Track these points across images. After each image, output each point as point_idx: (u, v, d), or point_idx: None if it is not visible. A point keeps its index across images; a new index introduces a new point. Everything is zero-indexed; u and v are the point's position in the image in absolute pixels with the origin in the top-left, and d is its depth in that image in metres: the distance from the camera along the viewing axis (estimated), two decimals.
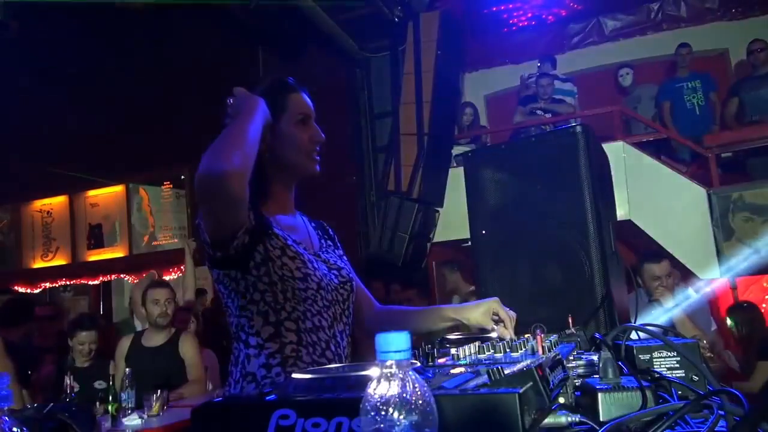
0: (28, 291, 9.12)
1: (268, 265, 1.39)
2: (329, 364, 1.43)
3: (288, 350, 1.39)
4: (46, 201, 9.59)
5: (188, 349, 3.92)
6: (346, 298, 1.55)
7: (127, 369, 3.48)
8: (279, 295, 1.40)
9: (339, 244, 1.70)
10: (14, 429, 0.85)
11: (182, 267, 4.89)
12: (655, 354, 1.18)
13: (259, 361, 1.39)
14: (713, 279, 5.51)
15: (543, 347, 1.08)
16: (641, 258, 3.76)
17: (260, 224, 1.41)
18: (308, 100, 1.56)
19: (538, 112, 6.52)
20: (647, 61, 7.17)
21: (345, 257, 1.67)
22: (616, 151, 5.44)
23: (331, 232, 1.71)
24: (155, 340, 3.93)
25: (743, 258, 5.34)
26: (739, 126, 5.99)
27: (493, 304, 1.54)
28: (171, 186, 8.95)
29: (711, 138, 5.90)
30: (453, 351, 1.15)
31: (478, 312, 1.54)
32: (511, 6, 7.41)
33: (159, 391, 3.31)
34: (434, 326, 1.71)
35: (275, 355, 1.38)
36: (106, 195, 9.30)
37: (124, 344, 4.04)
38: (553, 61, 6.95)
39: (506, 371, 0.81)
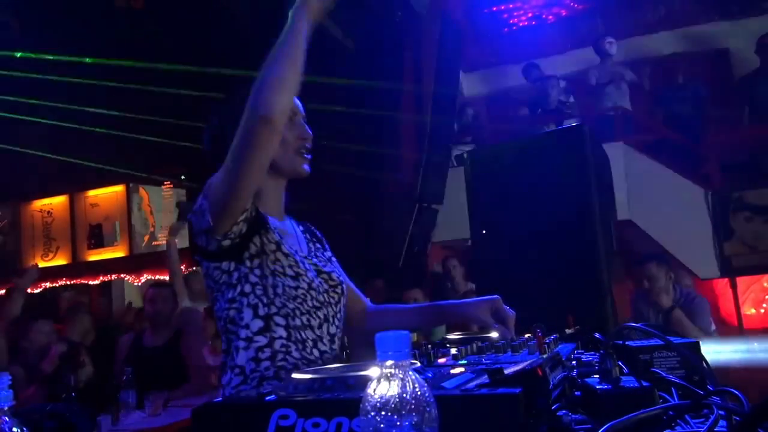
0: (28, 291, 9.10)
1: (261, 257, 1.40)
2: (319, 361, 1.43)
3: (277, 345, 1.39)
4: (46, 201, 9.59)
5: (189, 349, 3.91)
6: (337, 301, 1.54)
7: (128, 368, 3.47)
8: (269, 290, 1.40)
9: (327, 246, 1.69)
10: (14, 429, 0.85)
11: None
12: (655, 354, 1.18)
13: (248, 354, 1.39)
14: (713, 279, 5.51)
15: (543, 347, 1.08)
16: (632, 260, 3.78)
17: (258, 217, 1.43)
18: (295, 99, 1.53)
19: (540, 112, 6.53)
20: (648, 61, 7.17)
21: (334, 258, 1.66)
22: (616, 151, 5.44)
23: (319, 234, 1.70)
24: (156, 340, 3.92)
25: (743, 258, 5.34)
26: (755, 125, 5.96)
27: (494, 302, 1.54)
28: (171, 186, 8.95)
29: (711, 138, 5.91)
30: (453, 351, 1.15)
31: (479, 309, 1.53)
32: (511, 6, 7.42)
33: (159, 391, 3.31)
34: (434, 323, 1.71)
35: (264, 349, 1.39)
36: (106, 195, 9.30)
37: (124, 344, 4.03)
38: (536, 66, 6.98)
39: (506, 371, 0.81)
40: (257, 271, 1.40)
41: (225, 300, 1.42)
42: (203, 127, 1.56)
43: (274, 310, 1.40)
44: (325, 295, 1.50)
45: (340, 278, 1.58)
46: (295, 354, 1.40)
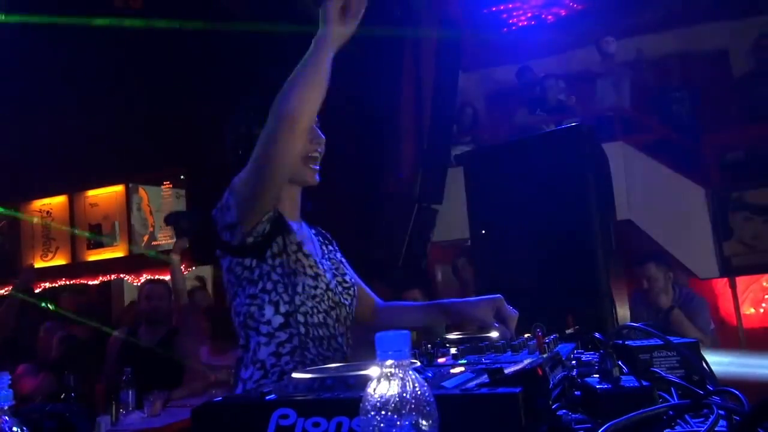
0: (33, 290, 9.11)
1: (283, 257, 1.46)
2: (333, 358, 1.48)
3: (297, 341, 1.45)
4: (46, 201, 9.58)
5: (184, 347, 3.86)
6: (349, 302, 1.59)
7: (127, 369, 3.46)
8: (290, 288, 1.45)
9: (337, 248, 1.73)
10: (14, 429, 0.85)
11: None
12: (655, 354, 1.19)
13: (269, 349, 1.44)
14: (713, 279, 5.51)
15: (543, 347, 1.08)
16: (632, 260, 3.78)
17: (281, 218, 1.49)
18: None
19: (539, 112, 6.52)
20: (647, 61, 7.17)
21: (344, 260, 1.71)
22: (616, 151, 5.44)
23: (329, 237, 1.75)
24: (150, 338, 3.86)
25: (742, 257, 5.34)
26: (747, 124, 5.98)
27: (496, 301, 1.54)
28: (171, 186, 8.94)
29: (711, 138, 5.91)
30: (453, 351, 1.15)
31: (481, 308, 1.55)
32: (511, 6, 7.42)
33: (159, 390, 3.31)
34: (437, 321, 1.73)
35: (285, 345, 1.44)
36: (105, 195, 9.29)
37: (117, 341, 3.96)
38: (529, 69, 7.00)
39: (506, 371, 0.81)
40: (279, 270, 1.45)
41: (246, 296, 1.47)
42: (226, 129, 1.59)
43: (294, 307, 1.45)
44: (340, 296, 1.55)
45: (353, 280, 1.64)
46: (313, 350, 1.46)
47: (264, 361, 1.44)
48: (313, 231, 1.70)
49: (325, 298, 1.50)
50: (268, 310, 1.45)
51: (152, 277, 4.90)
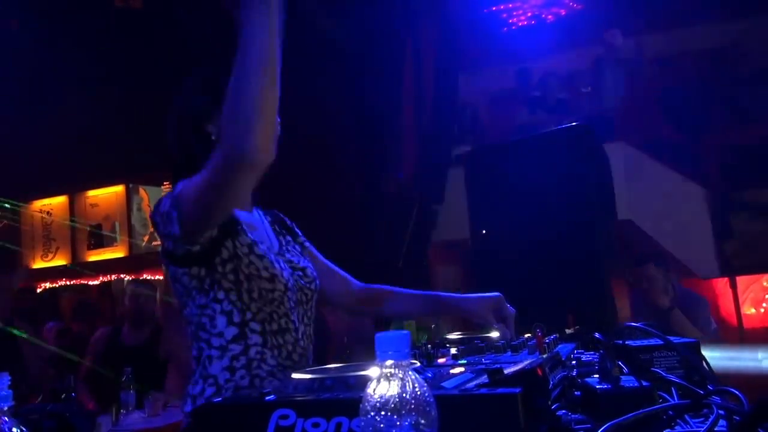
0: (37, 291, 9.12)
1: (234, 262, 1.32)
2: (294, 366, 1.37)
3: (252, 352, 1.33)
4: (46, 201, 9.59)
5: (172, 345, 3.80)
6: (310, 298, 1.48)
7: (127, 368, 3.45)
8: (244, 295, 1.33)
9: (298, 232, 1.61)
10: (14, 429, 0.85)
11: None
12: (655, 354, 1.19)
13: (222, 363, 1.32)
14: (713, 278, 5.51)
15: (543, 347, 1.08)
16: (632, 261, 3.77)
17: (229, 219, 1.35)
18: None
19: (539, 112, 6.53)
20: (648, 60, 7.16)
21: (307, 243, 1.61)
22: (616, 151, 5.43)
23: (289, 223, 1.62)
24: (135, 338, 3.78)
25: (743, 257, 5.35)
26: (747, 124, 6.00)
27: (495, 299, 1.52)
28: (171, 186, 8.95)
29: (711, 138, 5.91)
30: (453, 351, 1.15)
31: (481, 306, 1.51)
32: (511, 6, 7.43)
33: (158, 391, 3.30)
34: (432, 313, 1.68)
35: (239, 358, 1.32)
36: (106, 195, 9.30)
37: (101, 339, 3.87)
38: (529, 71, 7.01)
39: (506, 371, 0.81)
40: (231, 276, 1.32)
41: (195, 305, 1.35)
42: (168, 132, 1.47)
43: (249, 315, 1.33)
44: (300, 293, 1.44)
45: (314, 274, 1.51)
46: (271, 361, 1.34)
47: (216, 376, 1.31)
48: (269, 218, 1.56)
49: (285, 300, 1.37)
50: (221, 321, 1.32)
51: (154, 278, 4.90)
